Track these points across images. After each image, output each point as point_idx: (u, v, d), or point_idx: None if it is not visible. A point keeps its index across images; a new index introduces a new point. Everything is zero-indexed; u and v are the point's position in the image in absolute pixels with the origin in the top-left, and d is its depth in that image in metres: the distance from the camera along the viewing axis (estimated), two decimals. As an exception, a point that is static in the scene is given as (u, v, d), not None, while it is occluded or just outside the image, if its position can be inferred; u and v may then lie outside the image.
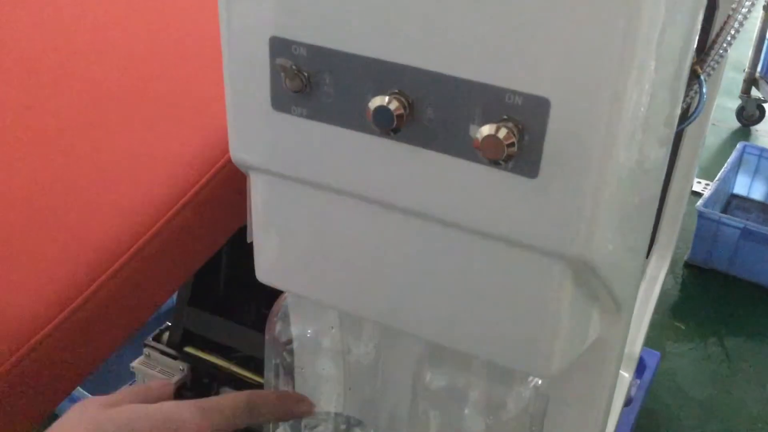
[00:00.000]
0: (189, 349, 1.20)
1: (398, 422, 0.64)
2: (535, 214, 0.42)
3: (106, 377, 1.28)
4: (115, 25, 0.92)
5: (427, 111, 0.43)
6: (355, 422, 0.65)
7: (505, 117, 0.40)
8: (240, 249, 1.13)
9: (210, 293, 1.18)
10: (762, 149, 2.17)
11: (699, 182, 2.26)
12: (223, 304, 1.18)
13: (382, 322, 0.52)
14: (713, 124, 2.37)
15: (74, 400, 1.37)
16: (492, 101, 0.40)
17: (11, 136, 0.79)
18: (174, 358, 1.19)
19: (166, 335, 1.23)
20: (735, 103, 2.67)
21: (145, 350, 1.21)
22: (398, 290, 0.50)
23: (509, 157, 0.40)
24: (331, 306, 0.55)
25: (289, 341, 0.60)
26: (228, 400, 0.50)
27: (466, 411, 0.56)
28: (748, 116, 2.67)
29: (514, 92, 0.40)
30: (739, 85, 2.63)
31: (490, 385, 0.56)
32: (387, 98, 0.42)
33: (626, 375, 0.82)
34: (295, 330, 0.61)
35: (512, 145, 0.40)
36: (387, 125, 0.42)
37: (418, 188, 0.45)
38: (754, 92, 2.61)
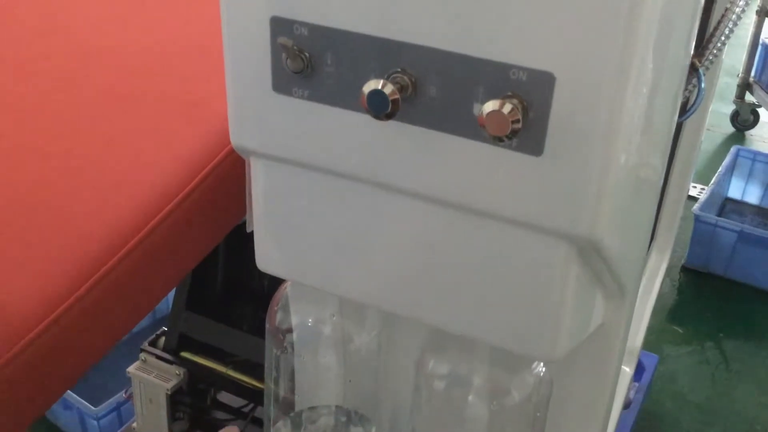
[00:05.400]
0: (185, 354, 1.18)
1: (400, 414, 0.63)
2: (539, 193, 0.42)
3: (102, 382, 1.27)
4: (115, 23, 0.92)
5: (430, 90, 0.42)
6: (356, 417, 0.64)
7: (510, 93, 0.40)
8: (237, 253, 1.13)
9: (206, 297, 1.17)
10: (755, 153, 2.17)
11: (694, 186, 2.26)
12: (220, 308, 1.17)
13: (385, 309, 0.52)
14: (708, 129, 2.38)
15: (67, 405, 1.35)
16: (496, 78, 0.40)
17: (15, 134, 0.78)
18: (170, 362, 1.18)
19: (162, 340, 1.21)
20: (729, 108, 2.67)
21: (142, 355, 1.19)
22: (401, 275, 0.49)
23: (514, 134, 0.40)
24: (333, 293, 0.55)
25: (290, 330, 0.60)
26: None
27: (470, 399, 0.55)
28: (742, 121, 2.67)
29: (519, 68, 0.39)
30: (733, 90, 2.63)
31: (493, 373, 0.56)
32: (381, 82, 0.41)
33: (627, 370, 0.82)
34: (295, 319, 0.60)
35: (517, 121, 0.39)
36: (381, 110, 0.42)
37: (421, 169, 0.45)
38: (748, 97, 2.62)
